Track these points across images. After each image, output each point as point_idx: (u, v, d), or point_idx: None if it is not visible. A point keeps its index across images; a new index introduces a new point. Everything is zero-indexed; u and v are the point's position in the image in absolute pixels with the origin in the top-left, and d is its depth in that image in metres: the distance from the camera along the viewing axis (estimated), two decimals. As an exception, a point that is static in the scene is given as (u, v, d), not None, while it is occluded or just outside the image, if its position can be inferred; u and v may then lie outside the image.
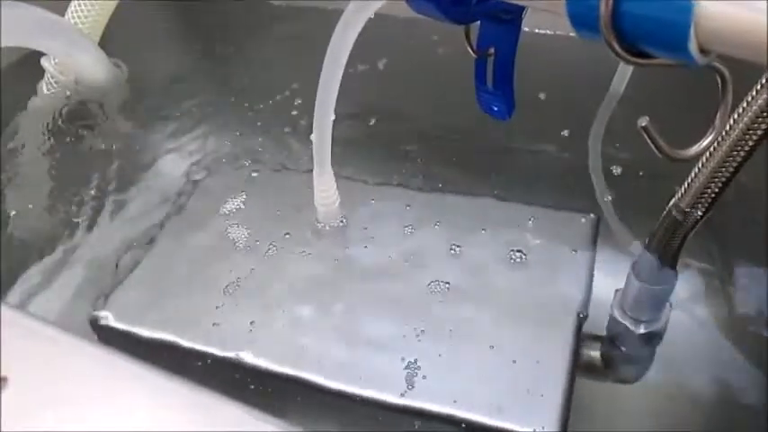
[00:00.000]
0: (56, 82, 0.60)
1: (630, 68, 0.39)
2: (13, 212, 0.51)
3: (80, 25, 0.57)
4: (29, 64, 0.60)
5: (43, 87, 0.60)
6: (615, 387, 0.40)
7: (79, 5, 0.57)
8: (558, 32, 0.58)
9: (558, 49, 0.57)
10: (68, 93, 0.60)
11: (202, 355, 0.39)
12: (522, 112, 0.40)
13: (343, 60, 0.36)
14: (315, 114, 0.38)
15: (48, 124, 0.59)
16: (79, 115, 0.60)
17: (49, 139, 0.58)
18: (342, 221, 0.45)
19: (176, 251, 0.45)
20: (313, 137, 0.40)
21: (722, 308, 0.42)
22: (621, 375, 0.40)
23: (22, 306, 0.44)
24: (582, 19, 0.23)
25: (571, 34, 0.24)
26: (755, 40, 0.19)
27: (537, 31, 0.58)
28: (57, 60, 0.58)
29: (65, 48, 0.56)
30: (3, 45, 0.49)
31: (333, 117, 0.39)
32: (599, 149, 0.42)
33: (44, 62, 0.59)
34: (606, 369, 0.40)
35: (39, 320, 0.27)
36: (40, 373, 0.25)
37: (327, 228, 0.45)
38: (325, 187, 0.43)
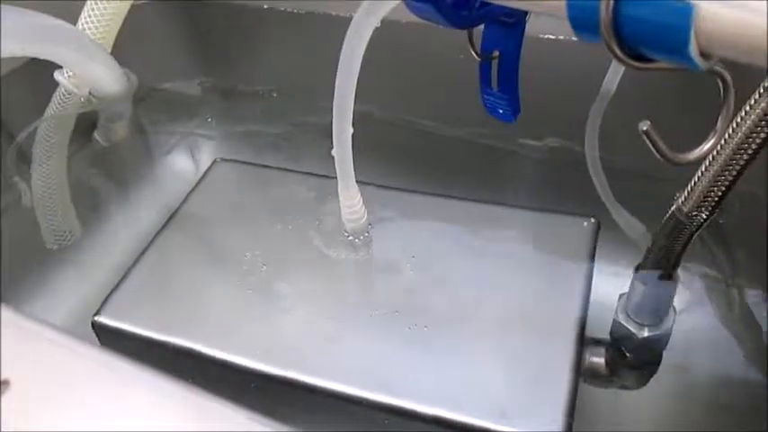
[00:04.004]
0: (69, 95, 0.59)
1: (622, 68, 0.39)
2: (16, 213, 0.52)
3: (93, 35, 0.56)
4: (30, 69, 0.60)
5: (55, 103, 0.59)
6: (619, 391, 0.40)
7: (91, 13, 0.56)
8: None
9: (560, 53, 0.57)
10: (81, 104, 0.60)
11: (203, 357, 0.39)
12: (523, 116, 0.40)
13: (356, 71, 0.36)
14: (333, 129, 0.38)
15: (56, 131, 0.59)
16: (86, 122, 0.60)
17: (55, 144, 0.58)
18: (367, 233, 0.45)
19: (178, 251, 0.45)
20: (334, 152, 0.39)
21: (725, 311, 0.42)
22: (625, 380, 0.40)
23: (23, 308, 0.45)
24: (583, 22, 0.23)
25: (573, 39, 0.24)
26: (756, 43, 0.19)
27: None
28: (71, 73, 0.57)
29: (80, 58, 0.55)
30: (19, 54, 0.48)
31: (351, 130, 0.38)
32: (596, 148, 0.43)
33: (58, 76, 0.58)
34: (610, 373, 0.40)
35: (40, 322, 0.27)
36: (42, 375, 0.25)
37: (334, 232, 0.45)
38: (352, 202, 0.43)
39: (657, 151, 0.25)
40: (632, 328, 0.38)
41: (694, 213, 0.32)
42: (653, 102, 0.50)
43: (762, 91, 0.27)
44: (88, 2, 0.56)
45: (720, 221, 0.45)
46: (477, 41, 0.37)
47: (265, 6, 0.70)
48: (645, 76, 0.35)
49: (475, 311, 0.40)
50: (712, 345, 0.41)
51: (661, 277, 0.35)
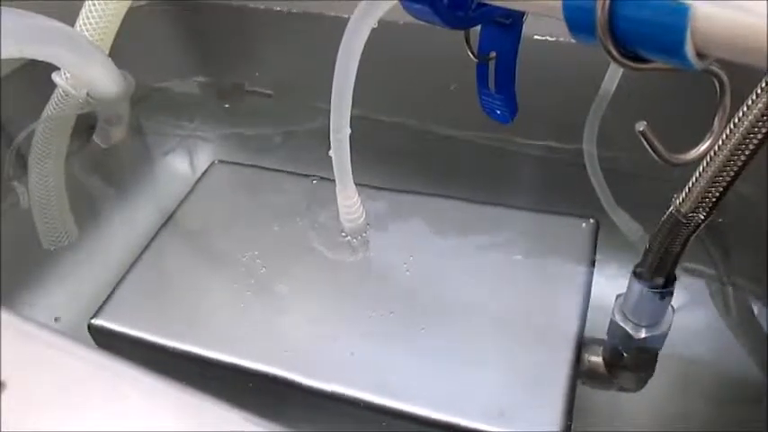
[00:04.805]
0: (67, 96, 0.58)
1: (621, 69, 0.39)
2: (13, 214, 0.51)
3: (91, 36, 0.56)
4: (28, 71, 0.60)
5: (53, 104, 0.59)
6: (617, 392, 0.40)
7: (89, 15, 0.56)
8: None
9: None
10: (79, 105, 0.59)
11: (201, 359, 0.39)
12: (522, 117, 0.40)
13: (354, 71, 0.36)
14: (331, 129, 0.38)
15: (54, 133, 0.59)
16: (85, 123, 0.60)
17: (53, 145, 0.58)
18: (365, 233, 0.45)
19: (176, 253, 0.45)
20: (332, 153, 0.39)
21: (723, 311, 0.42)
22: (623, 380, 0.40)
23: (20, 309, 0.45)
24: (578, 23, 0.23)
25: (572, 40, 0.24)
26: (752, 43, 0.19)
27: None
28: (69, 74, 0.57)
29: (78, 60, 0.54)
30: (16, 56, 0.48)
31: (349, 131, 0.38)
32: (594, 149, 0.43)
33: (56, 77, 0.57)
34: (608, 374, 0.40)
35: (36, 324, 0.27)
36: (40, 377, 0.25)
37: (332, 232, 0.45)
38: (350, 202, 0.43)
39: (654, 152, 0.25)
40: (629, 328, 0.38)
41: (692, 214, 0.32)
42: (652, 102, 0.50)
43: (759, 91, 0.27)
44: (86, 3, 0.56)
45: (719, 221, 0.45)
46: (475, 42, 0.36)
47: (263, 7, 0.70)
48: (643, 76, 0.36)
49: (473, 312, 0.40)
50: (710, 345, 0.41)
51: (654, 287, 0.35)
